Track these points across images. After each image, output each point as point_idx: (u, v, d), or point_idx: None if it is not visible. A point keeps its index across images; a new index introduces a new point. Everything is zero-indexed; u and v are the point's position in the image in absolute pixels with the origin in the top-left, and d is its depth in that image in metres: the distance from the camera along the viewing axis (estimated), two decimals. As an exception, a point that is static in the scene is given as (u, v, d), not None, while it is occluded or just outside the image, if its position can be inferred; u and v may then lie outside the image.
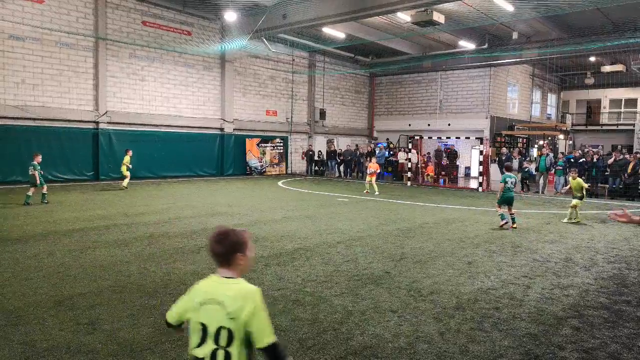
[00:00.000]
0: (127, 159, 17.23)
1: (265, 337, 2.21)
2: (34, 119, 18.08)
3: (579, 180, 12.17)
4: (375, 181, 18.11)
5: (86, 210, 11.90)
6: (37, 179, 12.85)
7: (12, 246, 7.91)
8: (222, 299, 2.23)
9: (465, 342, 4.46)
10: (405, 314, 5.17)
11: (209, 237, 2.37)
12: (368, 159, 27.23)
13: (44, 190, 13.06)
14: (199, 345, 2.25)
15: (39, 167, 13.11)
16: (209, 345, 2.22)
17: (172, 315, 2.46)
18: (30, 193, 12.65)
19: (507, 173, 10.87)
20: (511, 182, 10.77)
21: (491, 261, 7.63)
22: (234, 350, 2.20)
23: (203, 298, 2.28)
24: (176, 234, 9.23)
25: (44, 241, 8.36)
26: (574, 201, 11.92)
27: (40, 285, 5.88)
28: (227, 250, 2.30)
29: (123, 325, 4.69)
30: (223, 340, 2.20)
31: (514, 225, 10.68)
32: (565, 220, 11.96)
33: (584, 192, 12.12)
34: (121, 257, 7.35)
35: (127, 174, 17.12)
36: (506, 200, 10.77)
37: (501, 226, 10.60)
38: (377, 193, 17.38)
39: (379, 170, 19.51)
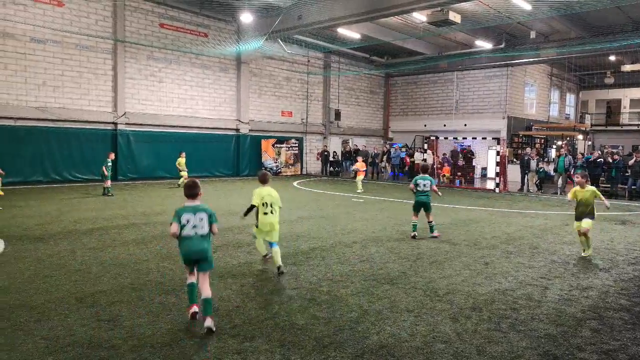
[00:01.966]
0: (181, 160, 18.15)
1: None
2: (55, 120, 18.45)
3: (592, 189, 8.09)
4: (390, 180, 18.17)
5: (105, 210, 12.09)
6: (106, 172, 14.97)
7: (34, 244, 8.08)
8: (273, 193, 6.74)
9: (482, 343, 4.43)
10: (421, 313, 5.16)
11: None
12: (382, 159, 27.24)
13: (108, 185, 15.00)
14: (265, 213, 6.64)
15: (110, 163, 15.25)
16: (269, 209, 6.62)
17: (256, 200, 6.65)
18: (107, 185, 14.93)
19: (420, 174, 9.56)
20: (423, 185, 9.35)
21: (508, 262, 7.57)
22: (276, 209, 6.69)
23: (266, 192, 6.67)
24: (193, 233, 9.31)
25: (65, 240, 8.52)
26: (584, 223, 7.91)
27: (62, 282, 6.01)
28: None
29: (143, 322, 4.77)
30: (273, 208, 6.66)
31: (435, 234, 9.38)
32: (585, 254, 8.14)
33: (594, 208, 8.01)
34: (140, 256, 7.46)
35: (184, 173, 17.85)
36: (419, 206, 9.47)
37: (412, 237, 9.28)
38: (358, 191, 18.02)
39: (364, 169, 19.96)
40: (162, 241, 8.59)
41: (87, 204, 13.26)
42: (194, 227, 4.70)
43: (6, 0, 17.07)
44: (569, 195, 8.29)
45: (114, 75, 20.03)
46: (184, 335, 4.46)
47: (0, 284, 5.86)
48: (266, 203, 6.65)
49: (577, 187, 8.13)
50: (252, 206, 6.68)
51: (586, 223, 7.90)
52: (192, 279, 4.94)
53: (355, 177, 19.28)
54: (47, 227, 9.70)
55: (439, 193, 10.00)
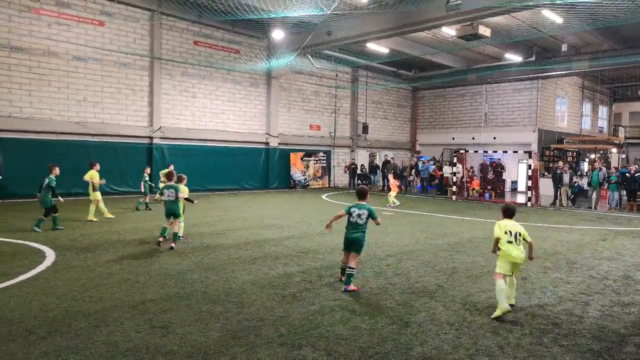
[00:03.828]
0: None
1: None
2: (94, 135, 19.19)
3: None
4: (419, 194, 18.08)
5: (145, 222, 12.51)
6: (143, 188, 15.63)
7: (82, 254, 8.47)
8: (518, 226, 5.85)
9: (526, 356, 4.49)
10: (462, 327, 5.24)
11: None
12: (411, 172, 27.20)
13: (147, 200, 15.51)
14: (509, 242, 5.74)
15: (147, 178, 15.69)
16: (513, 239, 5.73)
17: (498, 231, 5.83)
18: (147, 200, 15.46)
19: (357, 202, 6.76)
20: (358, 215, 6.57)
21: (546, 277, 7.55)
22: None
23: (509, 225, 5.85)
24: (231, 245, 9.60)
25: (111, 250, 8.90)
26: None
27: (114, 290, 6.32)
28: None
29: (193, 329, 5.00)
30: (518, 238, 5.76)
31: (350, 288, 6.46)
32: None
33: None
34: (183, 266, 7.74)
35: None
36: (348, 244, 6.67)
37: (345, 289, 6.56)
38: (391, 205, 17.94)
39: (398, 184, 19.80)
40: (203, 252, 8.87)
41: (127, 215, 13.73)
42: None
43: (51, 20, 17.97)
44: None
45: (150, 91, 20.75)
46: (233, 343, 4.65)
47: (57, 292, 6.20)
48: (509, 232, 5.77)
49: None
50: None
51: None
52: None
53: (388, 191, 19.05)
54: (92, 237, 10.13)
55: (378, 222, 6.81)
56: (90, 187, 12.62)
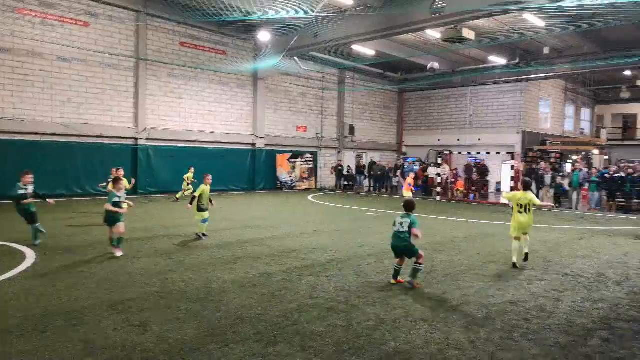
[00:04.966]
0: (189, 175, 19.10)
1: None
2: (79, 136, 19.07)
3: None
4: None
5: (127, 223, 12.45)
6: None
7: (63, 255, 8.48)
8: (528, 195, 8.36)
9: (495, 350, 4.63)
10: (435, 322, 5.37)
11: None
12: (396, 173, 27.42)
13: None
14: (519, 212, 8.34)
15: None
16: (523, 210, 8.33)
17: (513, 201, 8.50)
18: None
19: (404, 212, 7.02)
20: (400, 224, 6.93)
21: (521, 275, 7.72)
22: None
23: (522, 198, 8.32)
24: (213, 245, 9.66)
25: (92, 251, 8.90)
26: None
27: (93, 290, 6.35)
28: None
29: (171, 327, 5.06)
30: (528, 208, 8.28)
31: (414, 283, 6.79)
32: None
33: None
34: (164, 266, 7.79)
35: (188, 187, 18.79)
36: (400, 252, 7.01)
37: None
38: None
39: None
40: (184, 253, 8.92)
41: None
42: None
43: (35, 21, 17.85)
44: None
45: (135, 92, 20.68)
46: (210, 340, 4.73)
47: (37, 292, 6.21)
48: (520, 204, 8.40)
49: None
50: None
51: None
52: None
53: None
54: (73, 238, 10.13)
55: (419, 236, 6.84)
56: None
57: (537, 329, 5.24)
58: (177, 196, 19.06)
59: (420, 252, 6.89)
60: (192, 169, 19.35)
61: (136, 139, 20.69)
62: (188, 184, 18.94)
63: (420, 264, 6.85)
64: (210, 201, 10.82)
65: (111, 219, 8.70)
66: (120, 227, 8.70)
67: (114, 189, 9.15)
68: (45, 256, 8.33)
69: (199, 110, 22.96)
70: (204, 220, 10.61)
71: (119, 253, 8.54)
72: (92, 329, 4.96)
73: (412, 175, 17.89)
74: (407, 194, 17.55)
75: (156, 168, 21.30)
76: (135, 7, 20.13)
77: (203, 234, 10.57)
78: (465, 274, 7.74)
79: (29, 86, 17.93)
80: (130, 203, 9.92)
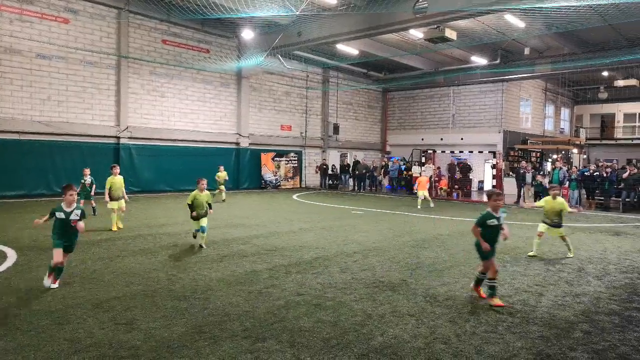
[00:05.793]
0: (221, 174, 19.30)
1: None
2: (59, 134, 18.75)
3: (561, 200, 9.22)
4: (388, 193, 18.38)
5: (109, 222, 12.30)
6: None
7: (45, 254, 8.31)
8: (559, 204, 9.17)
9: (480, 343, 4.71)
10: (422, 317, 5.43)
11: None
12: (382, 172, 27.57)
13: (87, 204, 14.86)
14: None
15: (88, 180, 14.11)
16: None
17: (544, 205, 9.27)
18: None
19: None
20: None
21: (505, 271, 7.85)
22: None
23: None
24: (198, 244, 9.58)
25: (76, 250, 8.73)
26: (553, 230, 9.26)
27: (77, 289, 6.26)
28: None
29: (158, 325, 5.02)
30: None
31: (494, 303, 5.92)
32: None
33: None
34: (149, 265, 7.72)
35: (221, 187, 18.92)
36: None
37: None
38: (431, 205, 18.48)
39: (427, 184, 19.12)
40: (169, 251, 8.84)
41: (92, 216, 13.48)
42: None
43: (13, 17, 17.49)
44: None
45: (117, 90, 20.40)
46: (198, 337, 4.71)
47: (19, 291, 6.11)
48: None
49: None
50: None
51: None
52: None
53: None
54: (55, 238, 9.92)
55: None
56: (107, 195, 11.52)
57: (521, 323, 5.34)
58: (223, 198, 18.45)
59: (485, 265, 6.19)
60: (222, 168, 19.41)
61: (118, 137, 20.42)
62: (221, 184, 18.84)
63: (493, 279, 6.04)
64: (210, 206, 9.49)
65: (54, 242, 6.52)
66: (58, 254, 6.29)
67: (64, 200, 6.93)
68: (27, 256, 8.19)
69: (182, 108, 22.77)
70: (200, 230, 9.25)
71: (51, 284, 6.25)
72: (77, 328, 4.89)
73: (426, 177, 19.13)
74: (424, 193, 17.93)
75: (139, 167, 21.05)
76: (117, 4, 19.87)
77: (200, 246, 9.26)
78: (450, 270, 7.83)
79: (7, 84, 17.57)
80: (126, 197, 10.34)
